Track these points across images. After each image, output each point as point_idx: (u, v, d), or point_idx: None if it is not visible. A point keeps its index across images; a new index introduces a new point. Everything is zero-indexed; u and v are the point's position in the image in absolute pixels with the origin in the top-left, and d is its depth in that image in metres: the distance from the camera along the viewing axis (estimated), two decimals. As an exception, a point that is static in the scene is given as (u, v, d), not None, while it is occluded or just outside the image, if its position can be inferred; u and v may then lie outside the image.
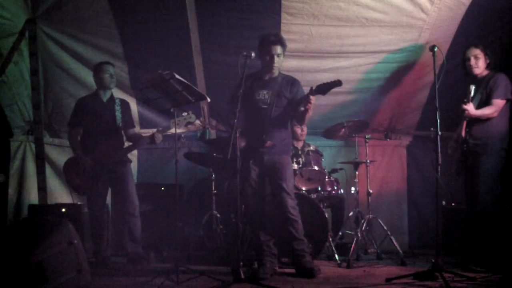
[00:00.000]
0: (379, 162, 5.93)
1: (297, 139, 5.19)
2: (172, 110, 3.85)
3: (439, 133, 3.55)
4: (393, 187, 6.05)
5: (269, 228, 3.98)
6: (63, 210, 4.94)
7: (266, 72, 4.01)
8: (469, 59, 4.14)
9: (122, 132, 4.72)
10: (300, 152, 4.89)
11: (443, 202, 5.11)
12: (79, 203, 5.18)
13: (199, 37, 5.02)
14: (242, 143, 3.79)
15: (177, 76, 3.58)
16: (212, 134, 5.98)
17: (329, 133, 5.19)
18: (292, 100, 3.94)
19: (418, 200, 6.01)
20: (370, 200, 4.89)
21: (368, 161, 4.95)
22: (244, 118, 3.79)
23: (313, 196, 4.83)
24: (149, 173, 5.94)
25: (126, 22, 4.93)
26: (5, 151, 5.32)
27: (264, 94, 3.94)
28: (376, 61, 5.21)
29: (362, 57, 5.16)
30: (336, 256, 4.52)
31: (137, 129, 5.32)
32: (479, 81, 4.10)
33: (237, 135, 3.53)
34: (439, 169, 3.51)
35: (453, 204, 5.10)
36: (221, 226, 5.03)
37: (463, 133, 4.03)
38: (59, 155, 5.54)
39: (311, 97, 3.66)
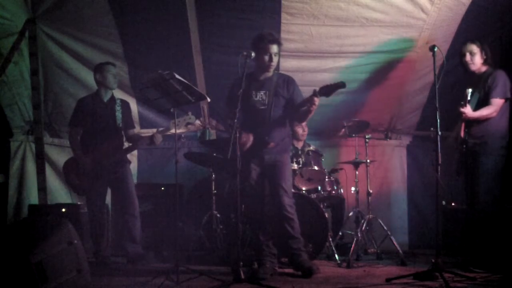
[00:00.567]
0: (379, 162, 5.93)
1: (298, 139, 5.19)
2: (172, 110, 3.85)
3: (439, 133, 3.54)
4: (393, 187, 6.05)
5: (269, 228, 3.98)
6: (63, 210, 4.95)
7: (262, 71, 3.99)
8: (464, 55, 4.11)
9: (122, 132, 4.72)
10: (300, 152, 4.89)
11: (443, 202, 5.11)
12: (79, 203, 5.18)
13: (199, 37, 5.02)
14: (247, 144, 3.80)
15: (177, 76, 3.58)
16: (212, 134, 5.98)
17: (329, 133, 5.19)
18: (290, 100, 3.93)
19: (418, 200, 6.01)
20: (370, 200, 4.88)
21: (368, 161, 4.95)
22: (242, 119, 3.78)
23: (313, 196, 4.82)
24: (149, 173, 5.94)
25: (126, 22, 4.93)
26: (5, 151, 5.32)
27: (261, 95, 3.94)
28: (376, 61, 5.21)
29: (362, 57, 5.16)
30: (336, 256, 4.52)
31: (137, 129, 5.32)
32: (477, 78, 4.08)
33: (237, 135, 3.53)
34: (439, 169, 3.51)
35: (453, 204, 5.10)
36: (221, 226, 5.03)
37: (462, 134, 4.01)
38: (59, 155, 5.55)
39: (315, 98, 3.66)
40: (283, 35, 4.78)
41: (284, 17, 4.70)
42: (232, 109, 3.65)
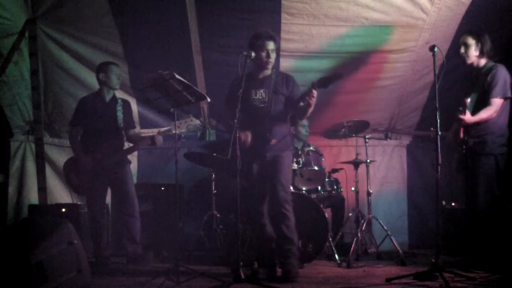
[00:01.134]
0: (379, 162, 5.93)
1: (300, 139, 5.19)
2: (172, 110, 3.85)
3: (439, 133, 3.53)
4: (393, 187, 6.05)
5: (272, 225, 3.96)
6: (63, 210, 4.95)
7: (261, 70, 3.97)
8: (459, 47, 4.00)
9: (123, 132, 4.72)
10: (300, 152, 4.88)
11: (443, 202, 5.11)
12: (79, 203, 5.18)
13: (199, 37, 5.02)
14: (247, 142, 3.81)
15: (177, 76, 3.58)
16: (212, 134, 5.98)
17: (329, 133, 5.19)
18: (290, 97, 3.92)
19: (418, 200, 6.01)
20: (370, 200, 4.88)
21: (368, 161, 4.95)
22: (242, 119, 3.76)
23: (313, 196, 4.82)
24: (149, 173, 5.94)
25: (126, 22, 4.93)
26: (5, 151, 5.32)
27: (261, 93, 3.93)
28: (376, 61, 5.21)
29: (362, 57, 5.16)
30: (336, 256, 4.52)
31: (137, 129, 5.31)
32: (476, 72, 3.99)
33: (237, 135, 3.53)
34: (439, 169, 3.50)
35: (453, 204, 5.10)
36: (221, 226, 5.03)
37: (461, 135, 3.95)
38: (59, 155, 5.54)
39: (314, 91, 3.64)
40: (283, 35, 4.79)
41: (284, 17, 4.70)
42: (231, 109, 3.65)
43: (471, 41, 3.94)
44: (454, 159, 4.08)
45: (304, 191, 4.83)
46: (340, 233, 5.03)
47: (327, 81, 3.58)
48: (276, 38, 3.97)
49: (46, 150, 5.37)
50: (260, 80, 3.98)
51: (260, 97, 3.92)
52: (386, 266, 4.37)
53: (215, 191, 5.15)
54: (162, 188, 5.40)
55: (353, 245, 4.53)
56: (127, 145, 4.86)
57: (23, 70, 5.18)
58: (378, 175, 5.96)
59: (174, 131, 3.94)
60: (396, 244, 4.60)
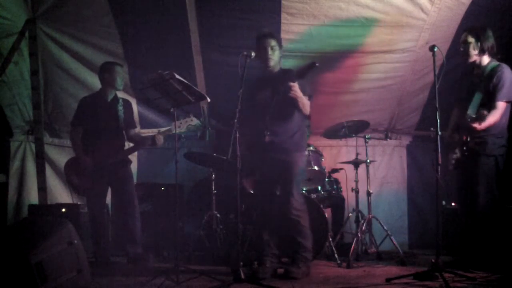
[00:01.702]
0: (379, 162, 5.93)
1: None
2: (172, 110, 3.85)
3: (439, 133, 3.52)
4: (393, 187, 6.06)
5: (275, 227, 3.98)
6: (63, 210, 4.95)
7: (266, 68, 4.00)
8: (460, 46, 3.96)
9: (124, 132, 4.72)
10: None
11: (443, 202, 5.11)
12: (79, 203, 5.18)
13: (199, 37, 5.02)
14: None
15: (177, 76, 3.57)
16: (212, 134, 5.98)
17: (329, 133, 5.19)
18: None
19: (418, 200, 6.01)
20: (370, 200, 4.88)
21: (368, 161, 4.95)
22: (248, 118, 3.80)
23: (313, 196, 4.82)
24: (149, 173, 5.93)
25: (126, 22, 4.93)
26: (5, 151, 5.32)
27: (264, 93, 3.94)
28: (376, 61, 5.21)
29: (362, 57, 5.16)
30: (336, 256, 4.52)
31: (137, 129, 5.31)
32: (480, 71, 3.93)
33: (237, 135, 3.53)
34: (439, 169, 3.50)
35: (453, 204, 5.10)
36: (221, 226, 5.03)
37: (464, 137, 3.92)
38: (59, 155, 5.54)
39: (291, 84, 3.67)
40: (283, 35, 4.78)
41: (284, 17, 4.70)
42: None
43: (470, 39, 3.90)
44: (451, 159, 4.07)
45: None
46: (340, 233, 5.03)
47: (302, 71, 3.67)
48: (275, 35, 3.99)
49: (46, 150, 5.37)
50: (266, 79, 4.01)
51: (264, 96, 3.93)
52: (386, 266, 4.37)
53: (215, 191, 5.15)
54: (162, 188, 5.40)
55: (353, 245, 4.53)
56: (127, 145, 4.86)
57: (23, 70, 5.18)
58: (378, 175, 5.96)
59: (174, 131, 3.94)
60: (396, 244, 4.60)
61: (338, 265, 4.41)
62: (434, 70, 3.58)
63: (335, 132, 5.11)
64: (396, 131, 6.01)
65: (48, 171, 5.36)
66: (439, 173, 3.50)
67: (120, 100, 4.73)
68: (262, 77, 4.04)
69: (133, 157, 5.79)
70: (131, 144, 4.83)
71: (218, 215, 5.06)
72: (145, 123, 5.83)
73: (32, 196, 5.28)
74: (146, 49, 5.21)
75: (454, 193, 4.39)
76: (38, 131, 5.18)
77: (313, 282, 3.66)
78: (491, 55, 3.95)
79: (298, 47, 4.99)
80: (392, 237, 4.66)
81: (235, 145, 3.49)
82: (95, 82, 4.98)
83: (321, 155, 5.13)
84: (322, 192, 4.95)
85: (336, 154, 6.01)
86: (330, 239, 4.68)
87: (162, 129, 4.51)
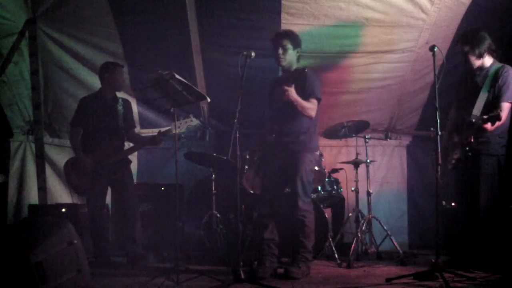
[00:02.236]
0: (379, 162, 5.93)
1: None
2: (172, 110, 3.85)
3: (439, 133, 3.53)
4: (393, 187, 6.05)
5: (276, 227, 3.98)
6: (63, 210, 4.94)
7: (282, 67, 4.09)
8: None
9: (124, 132, 4.72)
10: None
11: (443, 202, 5.11)
12: (79, 203, 5.18)
13: (199, 37, 5.02)
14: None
15: (177, 76, 3.58)
16: (212, 134, 5.98)
17: (329, 133, 5.19)
18: (302, 93, 3.89)
19: (418, 200, 6.01)
20: (370, 200, 4.89)
21: (368, 161, 4.95)
22: (270, 117, 4.00)
23: (313, 196, 4.82)
24: (149, 173, 5.93)
25: (126, 22, 4.93)
26: (5, 151, 5.32)
27: (278, 92, 3.95)
28: (376, 61, 5.21)
29: (362, 57, 5.16)
30: (336, 256, 4.52)
31: (137, 129, 5.32)
32: (485, 73, 3.95)
33: (237, 135, 3.53)
34: (439, 169, 3.50)
35: (453, 204, 5.10)
36: (221, 226, 5.03)
37: (471, 139, 3.86)
38: (59, 155, 5.54)
39: (284, 87, 3.77)
40: (283, 35, 4.78)
41: (284, 17, 4.70)
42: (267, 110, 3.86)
43: (465, 48, 3.95)
44: (451, 160, 4.06)
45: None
46: (340, 233, 5.03)
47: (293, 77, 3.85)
48: (289, 35, 4.01)
49: (46, 150, 5.37)
50: (283, 78, 4.08)
51: (277, 96, 3.94)
52: (386, 266, 4.37)
53: (215, 191, 5.15)
54: (162, 188, 5.40)
55: (353, 245, 4.53)
56: (127, 145, 4.85)
57: (23, 70, 5.18)
58: (378, 175, 5.96)
59: (174, 131, 3.94)
60: (396, 244, 4.60)
61: (338, 265, 4.41)
62: (434, 70, 3.59)
63: (335, 132, 5.11)
64: (396, 131, 6.01)
65: (48, 171, 5.36)
66: (439, 173, 3.50)
67: (120, 100, 4.72)
68: (280, 76, 4.08)
69: (133, 157, 5.79)
70: (131, 144, 4.83)
71: (218, 215, 5.06)
72: (145, 123, 5.83)
73: (32, 196, 5.28)
74: (146, 49, 5.20)
75: (454, 193, 4.39)
76: (38, 131, 5.18)
77: (313, 282, 3.66)
78: (491, 55, 3.97)
79: (298, 47, 4.98)
80: (392, 237, 4.66)
81: (235, 145, 3.50)
82: (95, 82, 4.97)
83: (321, 155, 5.13)
84: (322, 192, 4.95)
85: (336, 154, 6.01)
86: (330, 239, 4.68)
87: (163, 129, 4.50)
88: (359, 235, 4.69)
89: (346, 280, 3.71)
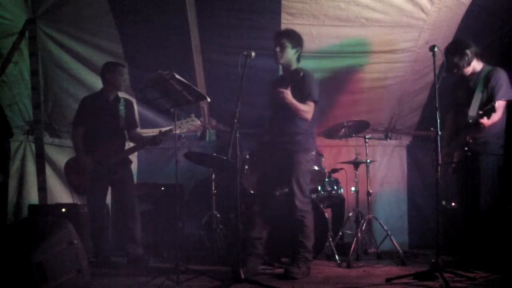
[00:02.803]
0: (379, 162, 5.93)
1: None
2: (172, 110, 3.85)
3: (439, 133, 3.53)
4: (393, 187, 6.05)
5: (265, 226, 3.97)
6: (63, 210, 4.95)
7: (281, 66, 4.11)
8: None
9: (125, 132, 4.71)
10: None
11: (443, 202, 5.11)
12: (79, 203, 5.18)
13: (199, 37, 5.02)
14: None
15: (177, 76, 3.58)
16: (212, 134, 5.98)
17: (329, 133, 5.19)
18: (299, 93, 3.90)
19: (418, 200, 6.01)
20: (370, 200, 4.88)
21: (368, 161, 4.95)
22: (268, 116, 4.04)
23: (313, 196, 4.82)
24: (149, 173, 5.93)
25: (126, 22, 4.94)
26: (5, 151, 5.32)
27: (274, 93, 3.95)
28: (376, 61, 5.21)
29: (362, 57, 5.17)
30: (336, 256, 4.52)
31: (137, 129, 5.31)
32: (476, 76, 4.02)
33: (237, 135, 3.53)
34: (439, 169, 3.50)
35: (453, 204, 5.10)
36: (221, 226, 5.03)
37: (469, 139, 3.92)
38: (59, 155, 5.55)
39: (278, 90, 3.79)
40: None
41: (284, 17, 4.70)
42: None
43: (454, 59, 4.00)
44: (452, 163, 4.07)
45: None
46: (340, 233, 5.03)
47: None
48: (289, 34, 4.01)
49: (46, 150, 5.37)
50: (283, 78, 4.10)
51: (274, 97, 3.94)
52: (386, 266, 4.37)
53: (215, 191, 5.15)
54: (162, 188, 5.40)
55: (353, 245, 4.53)
56: (128, 145, 4.85)
57: (23, 70, 5.18)
58: (378, 175, 5.96)
59: (174, 131, 3.94)
60: (396, 244, 4.60)
61: (338, 265, 4.41)
62: (434, 70, 3.59)
63: (335, 132, 5.11)
64: (396, 131, 6.01)
65: (48, 171, 5.35)
66: (439, 173, 3.50)
67: (122, 100, 4.72)
68: (279, 77, 4.09)
69: (133, 157, 5.78)
70: (132, 144, 4.83)
71: (218, 215, 5.06)
72: (145, 123, 5.83)
73: (32, 196, 5.28)
74: (146, 49, 5.21)
75: (454, 193, 4.39)
76: (38, 131, 5.18)
77: (313, 282, 3.66)
78: (479, 59, 4.04)
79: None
80: (392, 237, 4.66)
81: (235, 145, 3.50)
82: (95, 82, 4.98)
83: (321, 155, 5.13)
84: (322, 192, 4.95)
85: (336, 154, 6.01)
86: (330, 239, 4.68)
87: (163, 129, 4.50)
88: (359, 235, 4.69)
89: (346, 280, 3.71)
